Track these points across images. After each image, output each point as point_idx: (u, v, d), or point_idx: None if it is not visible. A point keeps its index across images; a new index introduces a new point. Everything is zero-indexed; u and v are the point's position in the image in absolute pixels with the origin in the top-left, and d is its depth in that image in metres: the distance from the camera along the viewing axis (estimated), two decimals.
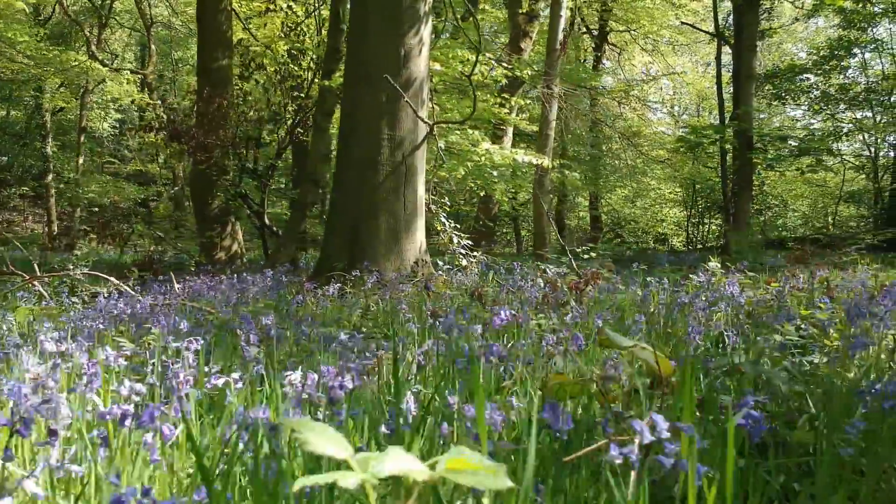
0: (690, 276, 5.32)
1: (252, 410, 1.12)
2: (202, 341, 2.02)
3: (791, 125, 23.93)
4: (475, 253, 7.58)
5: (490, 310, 4.04)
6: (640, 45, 23.81)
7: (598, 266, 6.39)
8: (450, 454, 0.60)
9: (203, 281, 6.86)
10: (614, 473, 0.95)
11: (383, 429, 1.37)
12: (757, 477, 1.67)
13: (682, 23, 23.05)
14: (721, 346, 3.02)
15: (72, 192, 23.11)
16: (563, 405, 1.30)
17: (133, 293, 5.61)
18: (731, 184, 17.51)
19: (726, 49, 19.92)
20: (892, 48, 20.41)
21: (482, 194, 14.69)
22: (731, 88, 18.87)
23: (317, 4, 12.16)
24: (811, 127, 21.11)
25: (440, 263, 7.15)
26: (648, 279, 5.31)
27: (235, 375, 1.54)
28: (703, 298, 3.97)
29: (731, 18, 20.59)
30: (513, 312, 2.22)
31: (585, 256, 8.02)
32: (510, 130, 14.80)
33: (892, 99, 19.29)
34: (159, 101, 13.57)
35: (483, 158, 8.64)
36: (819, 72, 19.42)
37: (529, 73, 10.21)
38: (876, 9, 17.70)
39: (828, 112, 19.64)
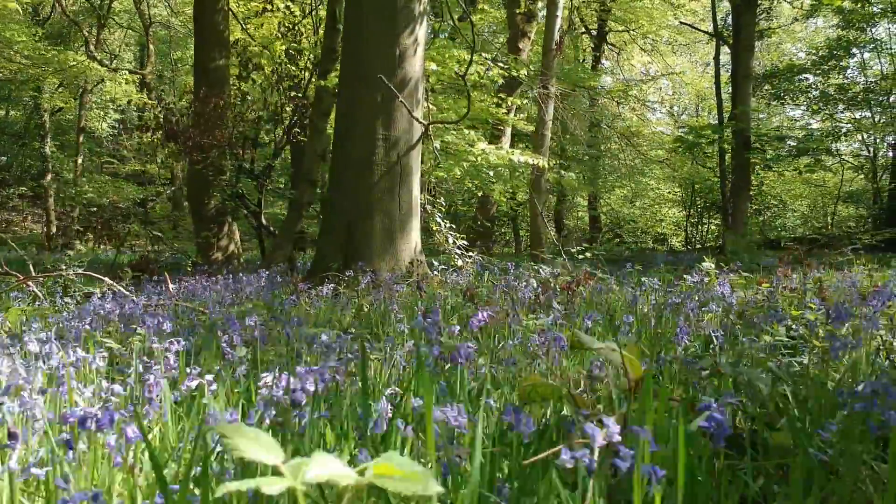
0: (685, 276, 5.31)
1: (214, 413, 1.11)
2: (183, 343, 2.01)
3: (790, 125, 23.92)
4: (470, 253, 7.57)
5: (479, 310, 4.04)
6: (639, 45, 23.82)
7: (591, 266, 6.38)
8: (379, 459, 0.59)
9: (198, 281, 6.86)
10: (564, 479, 0.94)
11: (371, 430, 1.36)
12: (736, 479, 1.67)
13: (681, 23, 23.05)
14: (710, 347, 3.02)
15: (65, 193, 23.09)
16: (528, 408, 1.30)
17: (127, 293, 5.61)
18: (730, 184, 17.51)
19: (725, 49, 19.92)
20: (891, 48, 20.40)
21: (480, 194, 14.68)
22: (730, 88, 18.87)
23: (314, 4, 12.16)
24: (810, 127, 21.10)
25: (436, 263, 7.15)
26: (642, 280, 5.30)
27: (209, 377, 1.53)
28: (695, 299, 3.96)
29: (730, 18, 20.59)
30: (492, 314, 2.21)
31: (580, 257, 8.02)
32: (508, 130, 14.79)
33: (891, 99, 19.28)
34: (156, 101, 13.57)
35: (479, 158, 8.64)
36: (818, 72, 19.42)
37: (526, 73, 10.20)
38: (875, 9, 17.69)
39: (826, 112, 19.63)
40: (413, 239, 6.93)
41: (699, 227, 24.68)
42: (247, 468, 0.98)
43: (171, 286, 6.13)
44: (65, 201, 22.97)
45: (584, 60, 23.05)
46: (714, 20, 20.39)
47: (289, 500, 1.02)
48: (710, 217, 24.15)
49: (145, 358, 2.06)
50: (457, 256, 7.38)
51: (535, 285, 4.82)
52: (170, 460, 1.19)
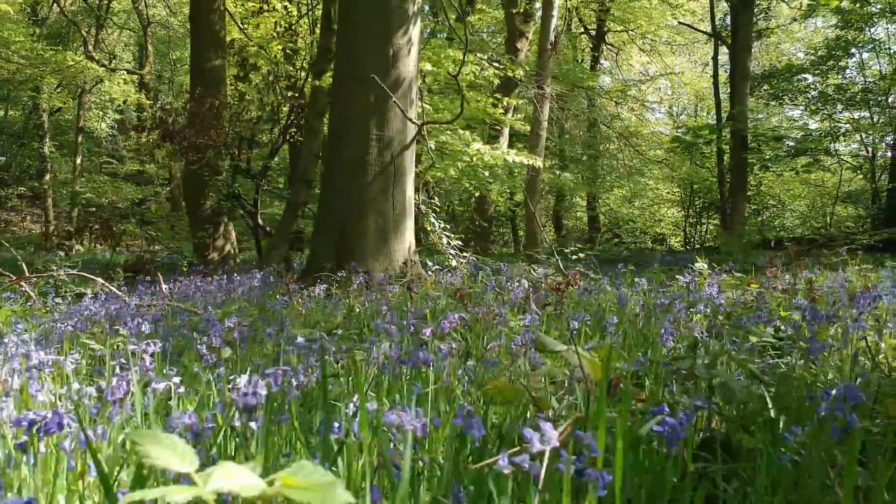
0: (677, 276, 5.30)
1: (175, 416, 1.10)
2: (161, 344, 2.00)
3: (789, 125, 23.89)
4: (465, 253, 7.56)
5: (469, 310, 4.03)
6: (638, 45, 23.82)
7: (584, 267, 6.37)
8: (290, 468, 0.59)
9: (192, 281, 6.85)
10: (500, 485, 0.93)
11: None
12: (711, 482, 1.66)
13: (680, 23, 23.04)
14: (696, 348, 3.01)
15: (58, 193, 23.08)
16: (482, 411, 1.29)
17: (119, 294, 5.60)
18: (728, 184, 17.51)
19: (724, 49, 19.90)
20: (890, 48, 20.38)
21: (477, 195, 14.67)
22: (729, 88, 18.85)
23: (311, 4, 12.16)
24: (809, 127, 21.07)
25: (429, 264, 7.14)
26: (635, 280, 5.29)
27: (177, 380, 1.52)
28: (684, 300, 3.95)
29: (728, 19, 20.58)
30: (462, 316, 2.20)
31: (574, 257, 8.00)
32: (506, 131, 14.78)
33: (890, 99, 19.26)
34: (152, 102, 13.58)
35: (474, 159, 8.63)
36: (817, 72, 19.40)
37: (522, 73, 10.19)
38: (873, 9, 17.67)
39: (825, 112, 19.62)
40: (407, 239, 6.92)
41: (698, 227, 24.66)
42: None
43: (164, 287, 6.12)
44: (56, 201, 22.95)
45: (582, 60, 23.05)
46: (712, 20, 20.37)
47: None
48: (708, 217, 24.14)
49: (122, 360, 2.05)
50: (451, 257, 7.37)
51: (526, 286, 4.81)
52: (123, 466, 1.19)
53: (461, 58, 8.74)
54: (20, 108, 25.23)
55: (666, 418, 1.00)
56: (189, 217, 11.14)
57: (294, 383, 1.77)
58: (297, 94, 11.06)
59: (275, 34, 11.53)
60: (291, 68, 11.85)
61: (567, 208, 26.49)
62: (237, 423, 1.42)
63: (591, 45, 24.03)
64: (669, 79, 25.01)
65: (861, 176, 21.38)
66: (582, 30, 24.11)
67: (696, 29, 23.85)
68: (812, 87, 19.77)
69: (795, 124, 23.22)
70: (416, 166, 8.91)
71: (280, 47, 11.46)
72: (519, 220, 23.84)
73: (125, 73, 20.90)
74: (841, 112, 19.64)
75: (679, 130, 23.72)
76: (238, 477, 0.56)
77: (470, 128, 12.12)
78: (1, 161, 25.07)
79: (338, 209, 6.83)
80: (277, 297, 5.48)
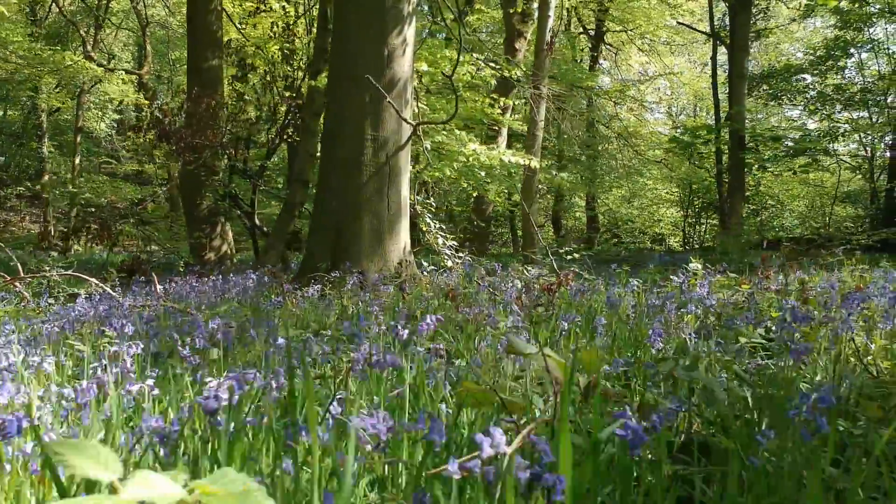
0: (671, 277, 5.29)
1: (146, 419, 1.10)
2: (142, 346, 2.00)
3: (788, 125, 23.88)
4: (460, 254, 7.56)
5: (460, 311, 4.02)
6: (637, 46, 23.80)
7: (579, 267, 6.36)
8: (211, 476, 0.58)
9: (186, 282, 6.85)
10: (444, 491, 0.93)
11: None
12: (691, 484, 1.65)
13: (679, 23, 23.03)
14: (685, 349, 3.00)
15: (52, 194, 23.08)
16: (437, 414, 1.29)
17: (113, 294, 5.59)
18: (726, 184, 17.50)
19: (723, 49, 19.88)
20: (889, 48, 20.36)
21: (475, 195, 14.67)
22: (727, 88, 18.83)
23: (308, 4, 12.16)
24: (808, 127, 21.06)
25: (424, 264, 7.13)
26: (629, 280, 5.28)
27: (150, 382, 1.52)
28: (676, 300, 3.94)
29: (727, 19, 20.55)
30: (440, 317, 2.19)
31: (569, 257, 8.00)
32: (504, 131, 14.78)
33: (889, 99, 19.24)
34: (148, 102, 13.58)
35: (470, 159, 8.62)
36: (815, 72, 19.38)
37: (518, 73, 10.18)
38: (872, 9, 17.66)
39: (824, 112, 19.60)
40: (402, 239, 6.92)
41: (697, 227, 24.66)
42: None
43: (158, 287, 6.12)
44: (49, 201, 22.93)
45: (581, 60, 23.03)
46: (711, 20, 20.36)
47: None
48: (707, 217, 24.13)
49: (104, 361, 2.04)
50: (447, 257, 7.36)
51: (519, 286, 4.81)
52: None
53: (458, 58, 8.73)
54: (19, 107, 25.23)
55: (628, 422, 0.99)
56: (186, 217, 11.14)
57: (274, 385, 1.77)
58: (294, 95, 11.06)
59: (272, 34, 11.52)
60: (289, 68, 11.85)
61: (566, 208, 26.48)
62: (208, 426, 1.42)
63: (589, 45, 24.02)
64: (668, 79, 25.00)
65: (860, 176, 21.37)
66: (581, 30, 24.10)
67: (694, 29, 23.85)
68: (811, 87, 19.75)
69: (794, 124, 23.20)
70: (414, 166, 8.91)
71: (277, 47, 11.46)
72: (518, 221, 23.83)
73: (124, 73, 20.91)
74: (840, 112, 19.62)
75: (678, 130, 23.70)
76: (157, 486, 0.55)
77: (468, 128, 12.11)
78: (0, 161, 25.08)
79: (333, 209, 6.83)
80: (272, 297, 5.48)
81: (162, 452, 1.08)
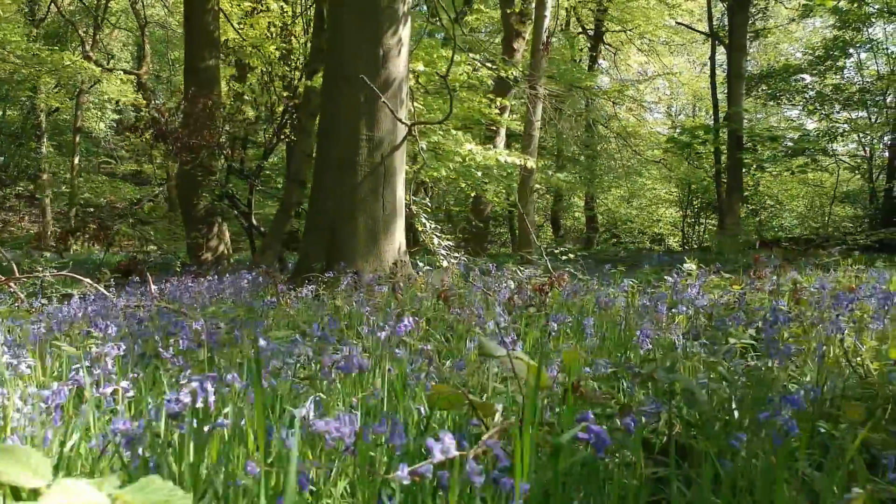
0: (665, 277, 5.28)
1: (116, 422, 1.09)
2: (130, 345, 1.99)
3: (787, 125, 23.87)
4: (456, 254, 7.55)
5: (451, 311, 4.02)
6: (636, 45, 23.80)
7: (574, 267, 6.35)
8: (136, 484, 0.57)
9: (181, 282, 6.83)
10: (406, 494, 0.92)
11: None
12: (644, 487, 1.64)
13: (678, 23, 23.02)
14: (674, 350, 2.99)
15: (45, 194, 23.08)
16: (401, 417, 1.28)
17: (107, 294, 5.58)
18: (725, 184, 17.49)
19: (722, 49, 19.88)
20: (888, 48, 20.35)
21: (473, 195, 14.66)
22: (726, 89, 18.82)
23: (306, 4, 12.15)
24: (806, 127, 21.05)
25: (420, 264, 7.12)
26: (622, 281, 5.27)
27: (125, 384, 1.51)
28: (669, 300, 3.93)
29: (725, 18, 20.54)
30: (417, 319, 2.19)
31: (563, 258, 7.99)
32: (503, 131, 14.77)
33: (888, 99, 19.23)
34: (146, 102, 13.57)
35: (466, 159, 8.62)
36: (814, 72, 19.37)
37: (515, 73, 10.17)
38: (871, 9, 17.65)
39: (823, 112, 19.59)
40: (397, 240, 6.90)
41: (696, 227, 24.65)
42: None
43: (152, 287, 6.11)
44: (43, 201, 22.94)
45: (580, 60, 23.02)
46: (709, 20, 20.35)
47: None
48: (706, 217, 24.12)
49: (86, 362, 2.04)
50: (442, 257, 7.36)
51: (512, 287, 4.80)
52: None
53: (455, 58, 8.72)
54: (18, 107, 25.24)
55: (590, 426, 0.99)
56: (183, 217, 11.14)
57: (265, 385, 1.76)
58: (291, 95, 11.06)
59: (269, 34, 11.52)
60: (287, 68, 11.85)
61: (565, 208, 26.48)
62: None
63: (588, 45, 24.01)
64: (667, 79, 24.99)
65: (859, 176, 21.36)
66: (580, 30, 24.09)
67: (693, 29, 23.84)
68: (810, 87, 19.75)
69: (793, 124, 23.19)
70: (411, 166, 8.91)
71: (274, 47, 11.46)
72: (516, 221, 23.84)
73: (122, 73, 20.90)
74: (839, 112, 19.61)
75: (676, 131, 23.70)
76: (79, 494, 0.54)
77: (467, 128, 12.10)
78: None
79: (328, 209, 6.82)
80: (265, 297, 5.47)
81: (127, 455, 1.07)
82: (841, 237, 14.97)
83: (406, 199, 7.43)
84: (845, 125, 19.32)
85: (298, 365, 2.19)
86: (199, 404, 1.39)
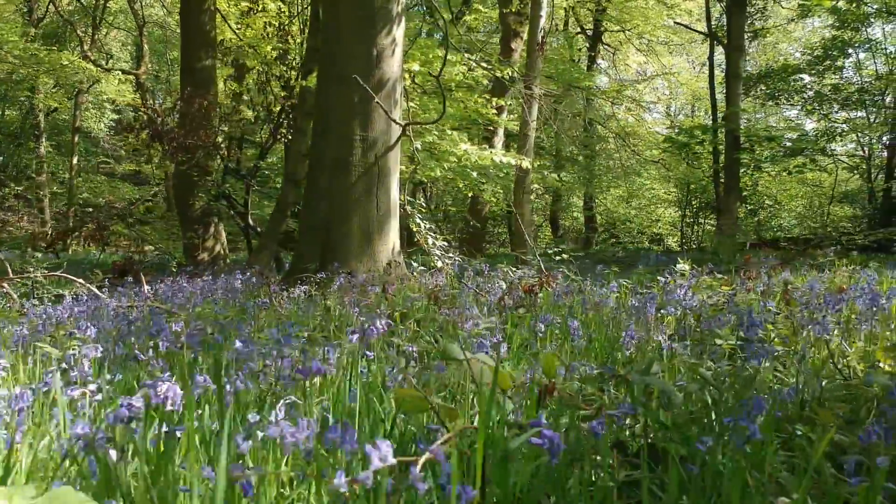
0: (658, 278, 5.27)
1: (76, 426, 1.09)
2: (101, 348, 1.99)
3: (785, 125, 23.85)
4: (450, 254, 7.54)
5: (443, 313, 4.01)
6: (635, 45, 23.78)
7: (567, 268, 6.35)
8: (47, 495, 0.57)
9: (176, 283, 6.83)
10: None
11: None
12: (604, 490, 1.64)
13: (676, 23, 23.02)
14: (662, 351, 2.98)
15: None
16: (356, 422, 1.27)
17: (100, 295, 5.58)
18: (722, 184, 17.47)
19: (720, 49, 19.87)
20: (887, 48, 20.33)
21: (471, 195, 14.66)
22: (725, 88, 18.80)
23: (303, 4, 12.15)
24: (805, 127, 21.04)
25: (415, 264, 7.12)
26: (613, 282, 5.26)
27: (93, 387, 1.51)
28: (659, 301, 3.93)
29: (724, 18, 20.52)
30: (389, 322, 2.18)
31: (557, 258, 7.98)
32: (501, 132, 14.76)
33: (887, 99, 19.21)
34: (142, 102, 13.57)
35: (462, 159, 8.61)
36: (813, 72, 19.35)
37: (510, 73, 10.16)
38: (869, 9, 17.63)
39: (821, 112, 19.57)
40: (391, 240, 6.90)
41: (695, 227, 24.63)
42: None
43: (146, 287, 6.10)
44: (36, 201, 22.94)
45: (579, 60, 23.01)
46: (708, 20, 20.33)
47: None
48: (705, 217, 24.10)
49: (63, 364, 2.03)
50: (437, 258, 7.35)
51: (503, 287, 4.79)
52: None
53: (450, 58, 8.72)
54: (17, 107, 25.24)
55: (544, 431, 0.98)
56: (179, 217, 11.13)
57: (229, 389, 1.75)
58: (288, 95, 11.05)
59: (265, 34, 11.51)
60: (283, 68, 11.84)
61: (564, 208, 26.47)
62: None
63: (587, 45, 24.00)
64: (666, 79, 24.98)
65: (857, 176, 21.34)
66: (578, 30, 24.08)
67: (692, 29, 23.83)
68: (808, 87, 19.72)
69: (792, 124, 23.17)
70: (407, 167, 8.90)
71: (271, 47, 11.45)
72: (514, 221, 23.82)
73: (121, 73, 20.90)
74: (837, 112, 19.59)
75: (675, 131, 23.68)
76: None
77: (465, 129, 12.09)
78: None
79: (322, 209, 6.82)
80: (259, 298, 5.46)
81: (87, 461, 1.07)
82: (836, 237, 14.95)
83: (401, 200, 7.43)
84: (844, 125, 19.30)
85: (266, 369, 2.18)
86: (169, 408, 1.39)
